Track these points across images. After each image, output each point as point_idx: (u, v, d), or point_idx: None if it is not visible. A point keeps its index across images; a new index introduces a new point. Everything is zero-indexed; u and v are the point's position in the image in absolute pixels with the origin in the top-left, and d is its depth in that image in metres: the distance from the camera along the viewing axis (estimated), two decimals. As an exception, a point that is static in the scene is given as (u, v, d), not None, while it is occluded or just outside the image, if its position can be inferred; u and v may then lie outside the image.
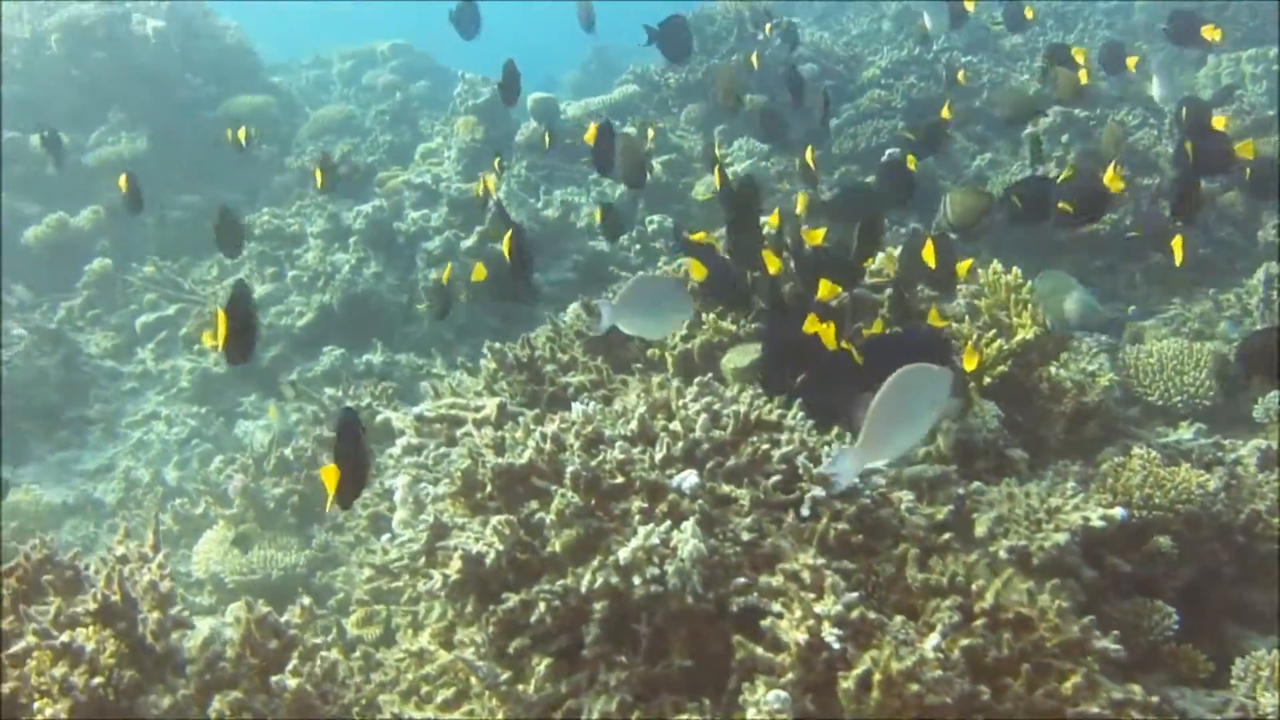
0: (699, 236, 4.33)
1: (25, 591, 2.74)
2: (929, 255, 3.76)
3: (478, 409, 3.49)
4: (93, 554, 5.60)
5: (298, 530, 4.35)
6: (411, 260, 7.48)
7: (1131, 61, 6.15)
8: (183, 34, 10.27)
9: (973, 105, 8.70)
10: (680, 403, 3.14)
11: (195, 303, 7.66)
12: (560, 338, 4.25)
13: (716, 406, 3.08)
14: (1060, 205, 4.35)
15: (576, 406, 3.12)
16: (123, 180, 4.33)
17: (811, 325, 3.42)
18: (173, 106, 9.85)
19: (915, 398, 2.43)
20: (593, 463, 2.85)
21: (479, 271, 4.11)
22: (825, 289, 3.72)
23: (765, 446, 2.97)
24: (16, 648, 2.46)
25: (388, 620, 3.59)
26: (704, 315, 3.98)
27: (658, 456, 2.91)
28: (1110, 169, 4.30)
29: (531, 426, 3.12)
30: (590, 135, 4.13)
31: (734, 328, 3.97)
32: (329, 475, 2.42)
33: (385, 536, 3.66)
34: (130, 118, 9.67)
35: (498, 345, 4.19)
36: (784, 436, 3.04)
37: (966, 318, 4.22)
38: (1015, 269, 4.32)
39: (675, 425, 3.02)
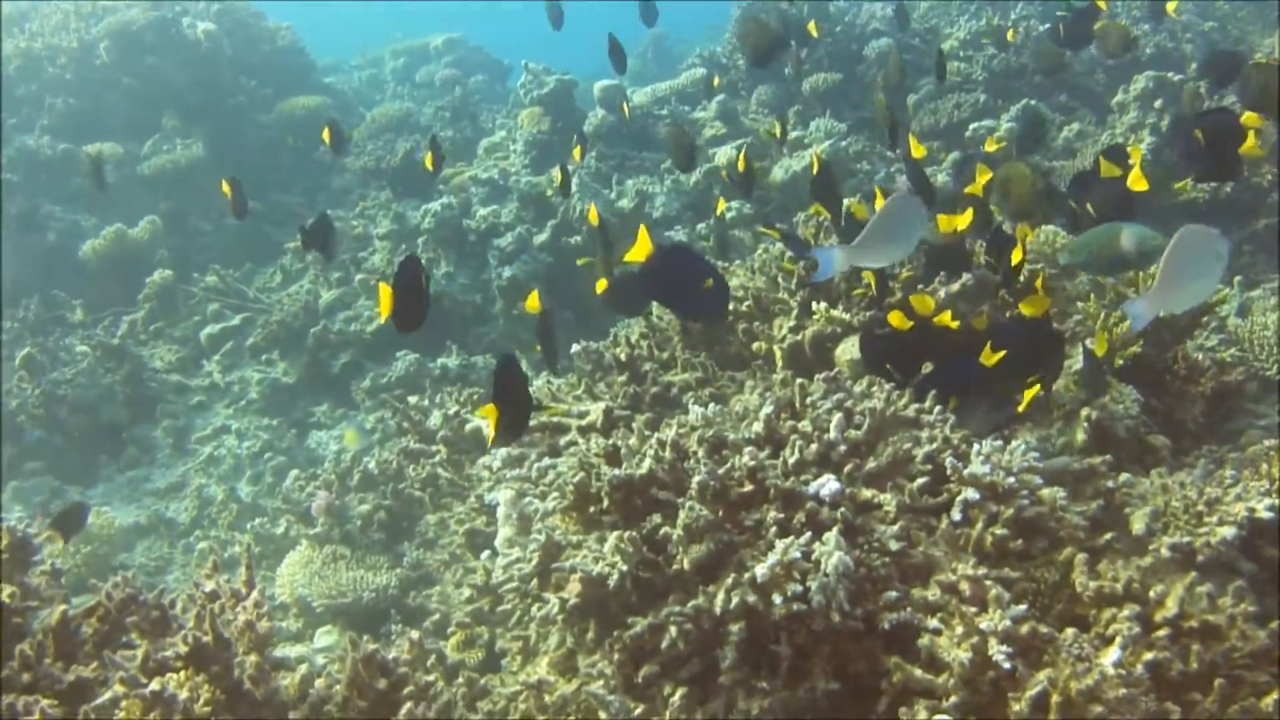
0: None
1: (108, 634, 2.59)
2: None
3: (581, 415, 3.32)
4: (167, 576, 5.53)
5: (386, 548, 4.21)
6: (484, 259, 7.33)
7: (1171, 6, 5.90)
8: (234, 36, 10.21)
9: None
10: (808, 400, 2.94)
11: (261, 311, 7.56)
12: (656, 333, 4.06)
13: (848, 404, 2.88)
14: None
15: (695, 409, 2.93)
16: (226, 186, 4.21)
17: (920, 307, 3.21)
18: (227, 111, 9.80)
19: (1202, 255, 2.66)
20: (720, 470, 2.66)
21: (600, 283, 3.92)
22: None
23: (906, 446, 2.76)
24: (103, 698, 2.30)
25: (491, 644, 3.42)
26: (814, 305, 3.78)
27: (790, 461, 2.71)
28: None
29: (646, 432, 2.93)
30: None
31: (848, 316, 3.76)
32: (489, 413, 2.50)
33: (485, 554, 3.50)
34: (184, 124, 9.63)
35: (592, 345, 4.02)
36: (924, 434, 2.84)
37: (1092, 295, 3.98)
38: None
39: (805, 425, 2.83)
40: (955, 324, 3.28)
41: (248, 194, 4.08)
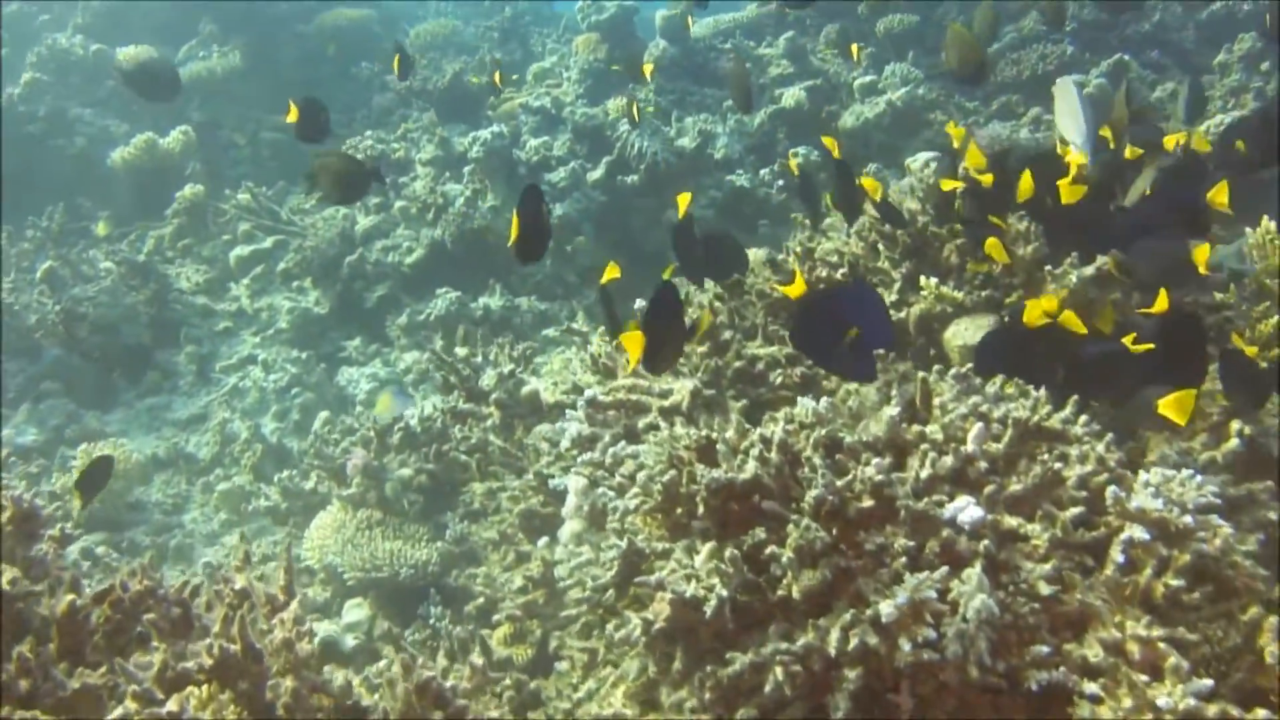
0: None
1: (121, 624, 2.21)
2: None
3: (664, 394, 2.91)
4: (184, 515, 5.18)
5: (426, 515, 3.83)
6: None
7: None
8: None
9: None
10: (936, 402, 2.53)
11: (294, 235, 7.15)
12: (736, 295, 3.64)
13: (984, 408, 2.46)
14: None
15: (805, 403, 2.52)
16: (293, 110, 3.71)
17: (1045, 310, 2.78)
18: (267, 19, 9.32)
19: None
20: (839, 483, 2.25)
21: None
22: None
23: (1056, 466, 2.35)
24: (112, 716, 1.93)
25: (543, 641, 3.05)
26: (921, 280, 3.36)
27: (922, 476, 2.31)
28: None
29: (745, 425, 2.53)
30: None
31: (960, 295, 3.33)
32: (631, 341, 2.50)
33: (543, 541, 3.11)
34: (221, 30, 9.17)
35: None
36: (1073, 451, 2.42)
37: (1232, 287, 3.52)
38: (1286, 225, 3.64)
39: (935, 432, 2.42)
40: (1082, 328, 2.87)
41: (286, 108, 3.61)
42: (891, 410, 2.44)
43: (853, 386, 2.75)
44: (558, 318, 6.58)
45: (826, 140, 3.66)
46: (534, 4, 11.10)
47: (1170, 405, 2.56)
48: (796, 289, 3.04)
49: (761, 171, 7.18)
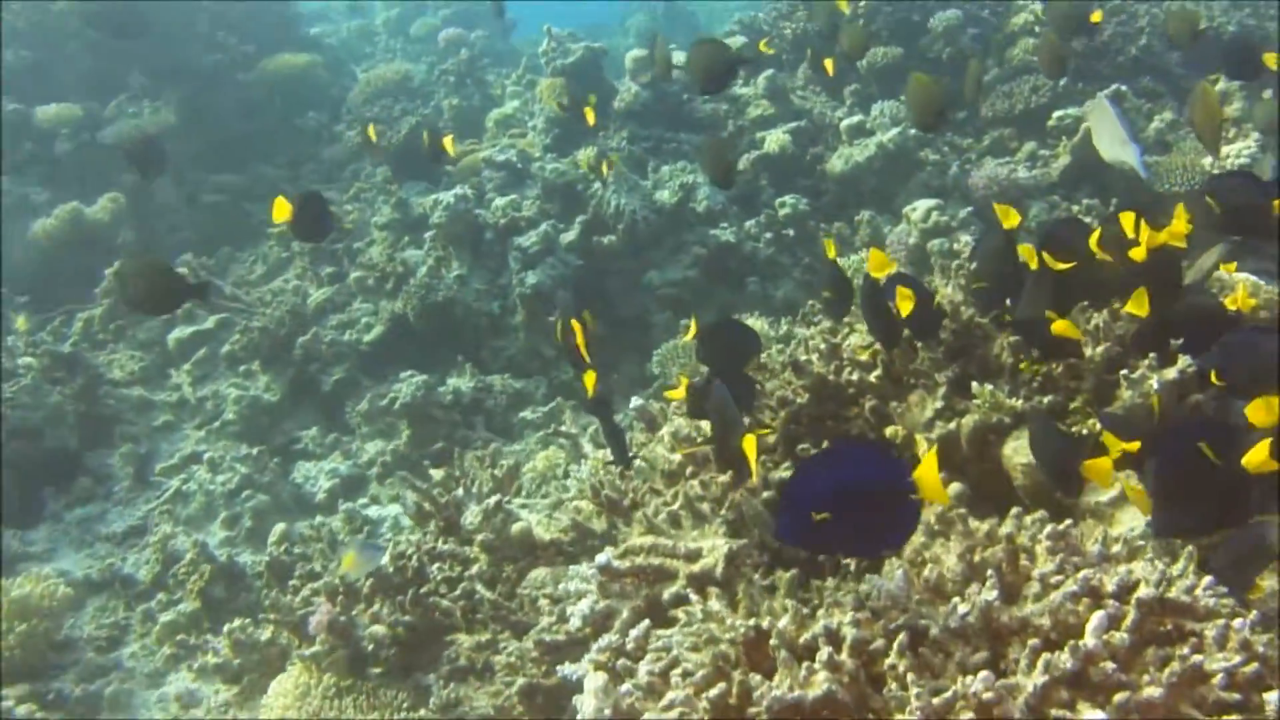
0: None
1: None
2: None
3: (691, 554, 2.50)
4: (123, 649, 4.70)
5: (404, 672, 3.38)
6: (502, 259, 6.48)
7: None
8: (211, -19, 9.29)
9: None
10: (1033, 570, 2.13)
11: (240, 311, 6.69)
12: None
13: (1095, 581, 2.07)
14: None
15: (876, 581, 2.12)
16: (285, 207, 3.27)
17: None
18: (202, 70, 8.87)
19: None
20: (936, 701, 1.85)
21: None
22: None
23: (1195, 659, 1.95)
24: None
25: None
26: (977, 388, 2.97)
27: (1037, 684, 1.90)
28: None
29: (802, 610, 2.13)
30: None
31: (1019, 404, 2.95)
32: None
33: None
34: (153, 82, 8.71)
35: (676, 418, 3.23)
36: (1209, 632, 2.02)
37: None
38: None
39: (1040, 616, 2.02)
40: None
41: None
42: (988, 594, 2.03)
43: (927, 554, 2.34)
44: (534, 396, 6.17)
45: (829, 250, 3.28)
46: (492, 42, 10.73)
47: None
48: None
49: (747, 224, 6.81)
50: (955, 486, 2.91)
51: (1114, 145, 4.68)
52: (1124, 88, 7.19)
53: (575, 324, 3.25)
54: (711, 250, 6.60)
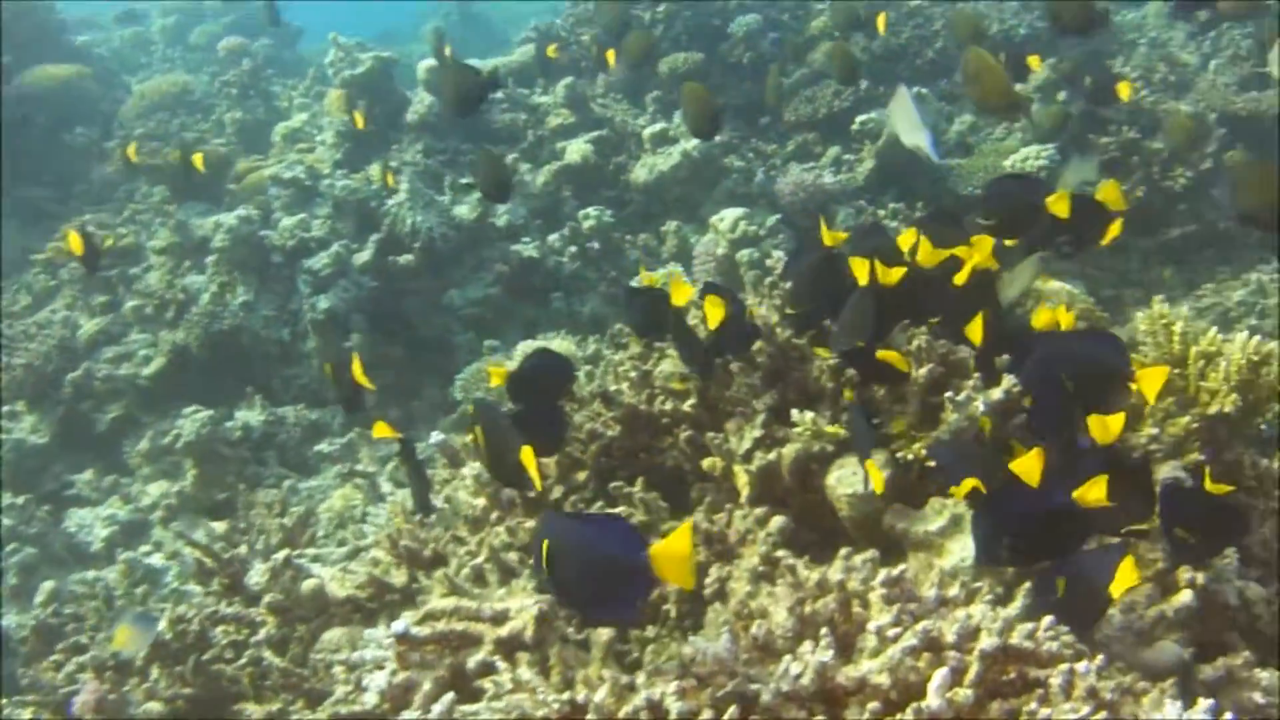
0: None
1: None
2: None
3: (498, 617, 2.29)
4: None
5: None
6: (291, 283, 6.14)
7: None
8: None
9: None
10: (869, 621, 1.99)
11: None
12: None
13: (935, 631, 1.94)
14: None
15: (697, 643, 1.96)
16: (74, 239, 2.96)
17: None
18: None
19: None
20: (773, 783, 1.69)
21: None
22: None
23: (1042, 715, 1.85)
24: None
25: None
26: (796, 415, 2.84)
27: (878, 754, 1.76)
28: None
29: (621, 680, 1.95)
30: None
31: (842, 430, 2.83)
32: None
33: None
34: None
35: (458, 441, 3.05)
36: (1054, 680, 1.92)
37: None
38: (1183, 310, 3.31)
39: (878, 674, 1.88)
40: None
41: None
42: (822, 654, 1.89)
43: (753, 605, 2.19)
44: (331, 428, 5.86)
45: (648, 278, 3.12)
46: (277, 47, 10.27)
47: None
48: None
49: (550, 238, 6.63)
50: (778, 520, 2.77)
51: (908, 130, 4.81)
52: (924, 90, 7.28)
53: (355, 357, 3.01)
54: (514, 266, 6.40)
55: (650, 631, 2.68)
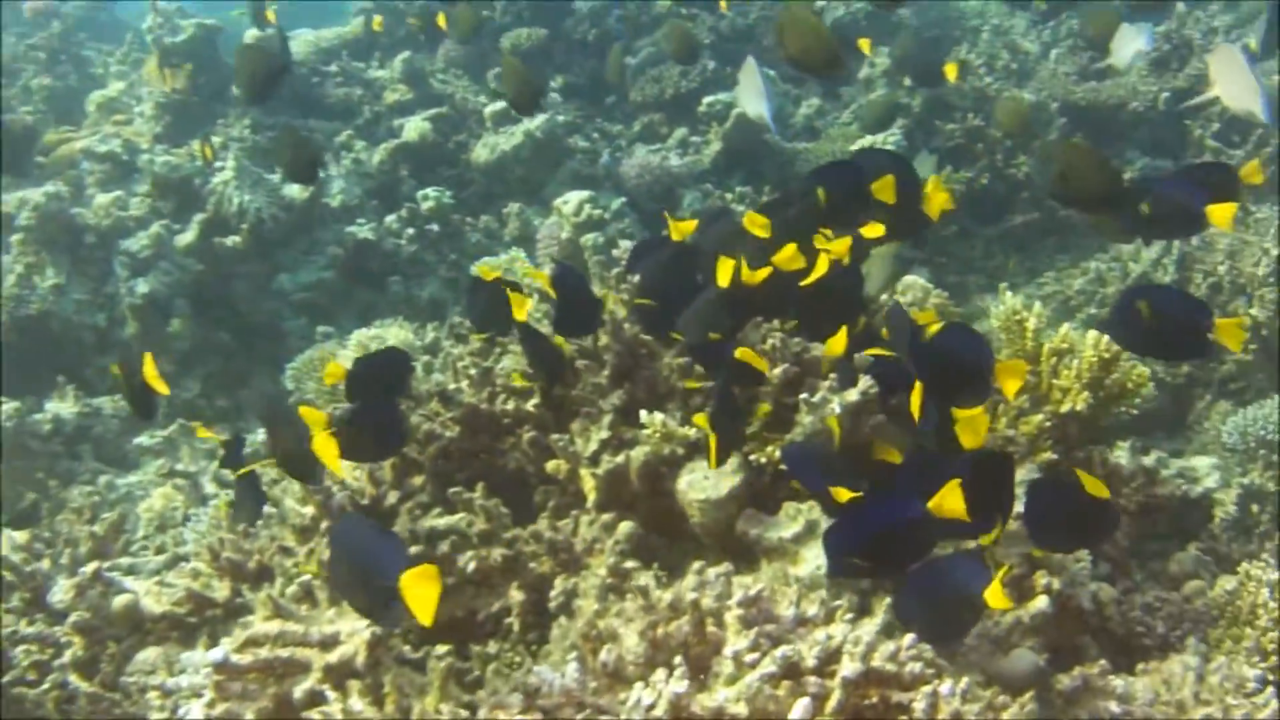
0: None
1: None
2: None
3: (327, 642, 2.13)
4: None
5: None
6: (107, 266, 5.80)
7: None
8: None
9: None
10: (725, 645, 1.90)
11: None
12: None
13: (794, 654, 1.85)
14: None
15: (545, 674, 1.83)
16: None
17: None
18: None
19: None
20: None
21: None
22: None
23: (908, 742, 1.78)
24: None
25: None
26: (645, 416, 2.73)
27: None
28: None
29: (461, 713, 1.82)
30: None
31: (692, 432, 2.73)
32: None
33: None
34: None
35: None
36: (918, 704, 1.85)
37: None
38: (1037, 306, 3.30)
39: (735, 704, 1.79)
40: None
41: None
42: (676, 684, 1.78)
43: (602, 625, 2.07)
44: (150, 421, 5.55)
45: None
46: (91, 9, 9.72)
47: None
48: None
49: (387, 219, 6.41)
50: (625, 526, 2.67)
51: (752, 100, 4.86)
52: (772, 72, 7.24)
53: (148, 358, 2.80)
54: (349, 249, 6.16)
55: (492, 647, 2.55)
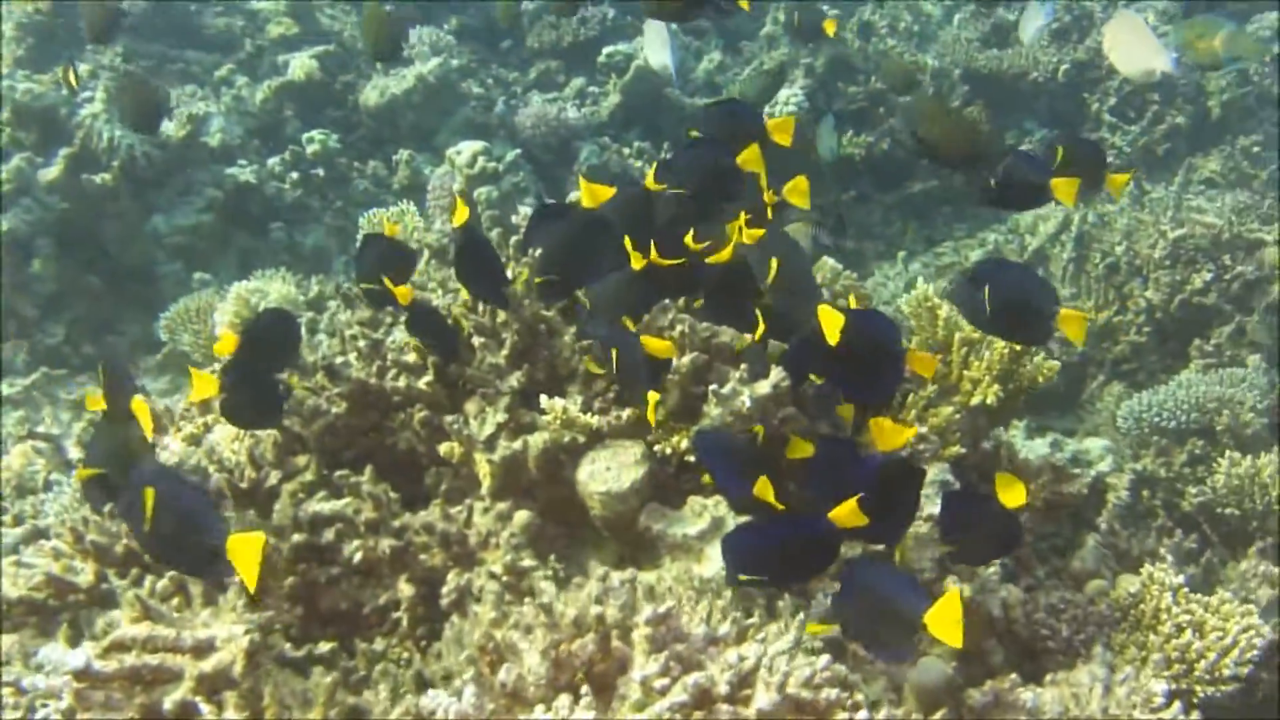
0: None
1: None
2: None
3: (201, 647, 1.98)
4: None
5: None
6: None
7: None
8: None
9: None
10: (632, 667, 1.80)
11: None
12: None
13: (705, 681, 1.77)
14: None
15: (440, 698, 1.72)
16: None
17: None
18: None
19: None
20: None
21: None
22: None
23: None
24: None
25: None
26: (545, 401, 2.62)
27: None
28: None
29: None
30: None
31: (593, 420, 2.63)
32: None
33: None
34: None
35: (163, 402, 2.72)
36: (835, 730, 1.78)
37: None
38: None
39: (642, 734, 1.70)
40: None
41: None
42: (582, 715, 1.68)
43: (500, 636, 1.95)
44: (13, 365, 5.28)
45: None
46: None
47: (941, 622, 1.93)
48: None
49: (270, 161, 6.16)
50: (522, 516, 2.56)
51: (656, 50, 4.86)
52: (674, 25, 7.10)
53: None
54: (228, 192, 5.90)
55: (379, 644, 2.43)
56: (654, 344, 2.38)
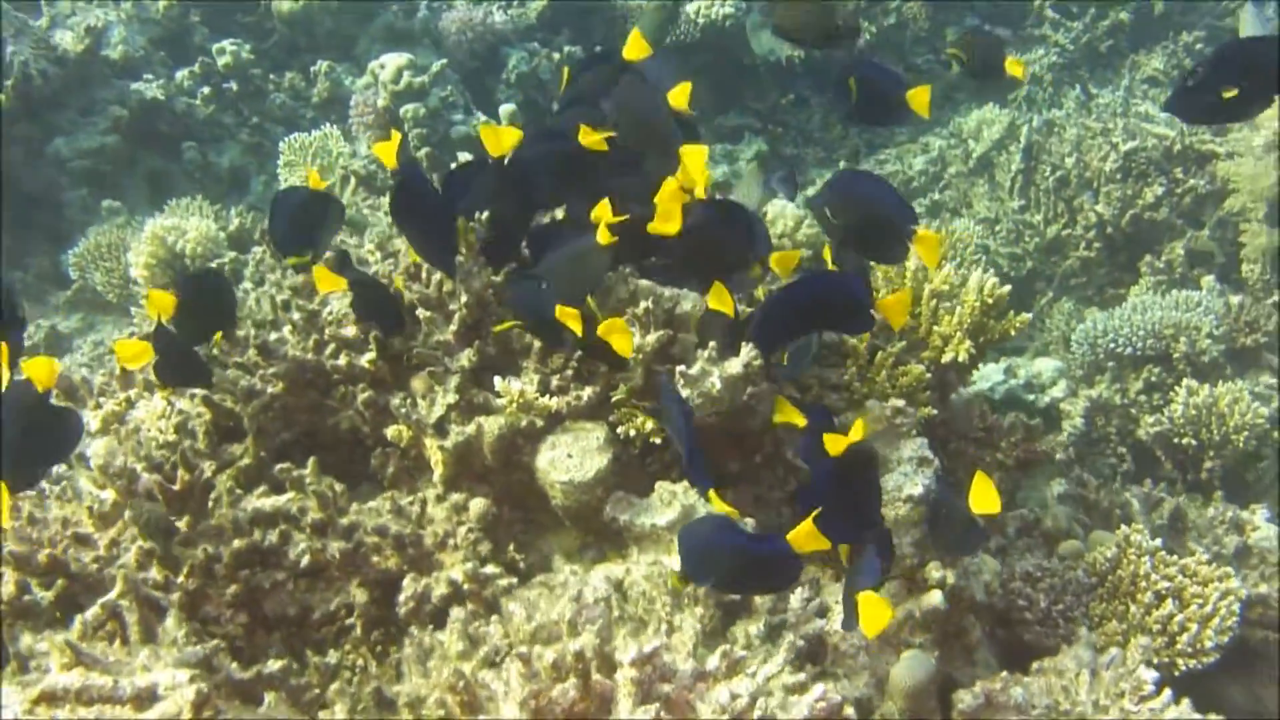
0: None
1: None
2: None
3: (141, 697, 1.84)
4: None
5: None
6: None
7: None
8: None
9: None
10: (617, 707, 1.70)
11: None
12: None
13: (674, 693, 1.67)
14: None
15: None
16: None
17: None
18: None
19: None
20: None
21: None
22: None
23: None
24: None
25: None
26: (502, 384, 2.48)
27: None
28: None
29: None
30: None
31: (553, 403, 2.49)
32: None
33: None
34: None
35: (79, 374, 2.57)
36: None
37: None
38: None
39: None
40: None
41: None
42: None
43: (469, 673, 1.83)
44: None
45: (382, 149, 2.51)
46: None
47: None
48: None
49: (178, 74, 5.84)
50: (478, 505, 2.43)
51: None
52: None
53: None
54: (134, 110, 5.58)
55: (333, 657, 2.30)
56: (612, 335, 2.22)
